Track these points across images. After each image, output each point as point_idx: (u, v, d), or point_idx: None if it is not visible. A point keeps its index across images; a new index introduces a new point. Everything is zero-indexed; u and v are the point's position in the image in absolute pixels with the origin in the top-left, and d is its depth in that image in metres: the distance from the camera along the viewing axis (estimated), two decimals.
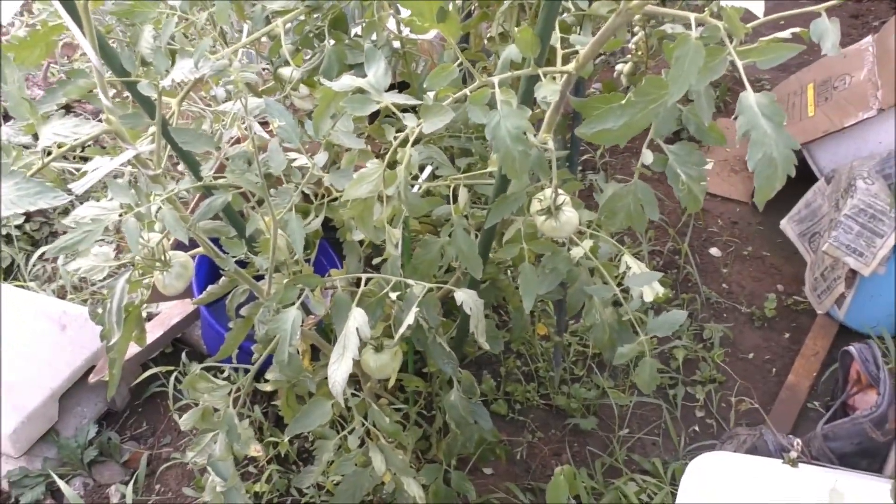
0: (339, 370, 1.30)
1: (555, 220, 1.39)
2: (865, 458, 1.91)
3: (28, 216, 3.15)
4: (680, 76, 1.00)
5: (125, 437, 2.48)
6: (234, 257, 1.47)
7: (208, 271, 2.36)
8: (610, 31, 1.16)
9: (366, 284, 1.48)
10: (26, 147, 1.29)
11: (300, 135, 1.39)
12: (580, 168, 3.61)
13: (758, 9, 0.98)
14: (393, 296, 1.46)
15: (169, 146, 1.48)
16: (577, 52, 1.35)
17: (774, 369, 2.72)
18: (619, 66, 2.62)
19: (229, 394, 1.56)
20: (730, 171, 3.57)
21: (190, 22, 1.62)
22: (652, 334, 1.48)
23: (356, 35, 1.90)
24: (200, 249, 1.49)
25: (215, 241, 1.52)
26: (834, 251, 2.62)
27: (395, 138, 1.26)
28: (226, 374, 2.42)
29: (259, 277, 1.57)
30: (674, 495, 2.13)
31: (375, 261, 1.75)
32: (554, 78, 1.30)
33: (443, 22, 1.10)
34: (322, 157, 1.44)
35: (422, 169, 1.77)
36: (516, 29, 1.23)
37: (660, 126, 1.21)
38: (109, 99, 1.22)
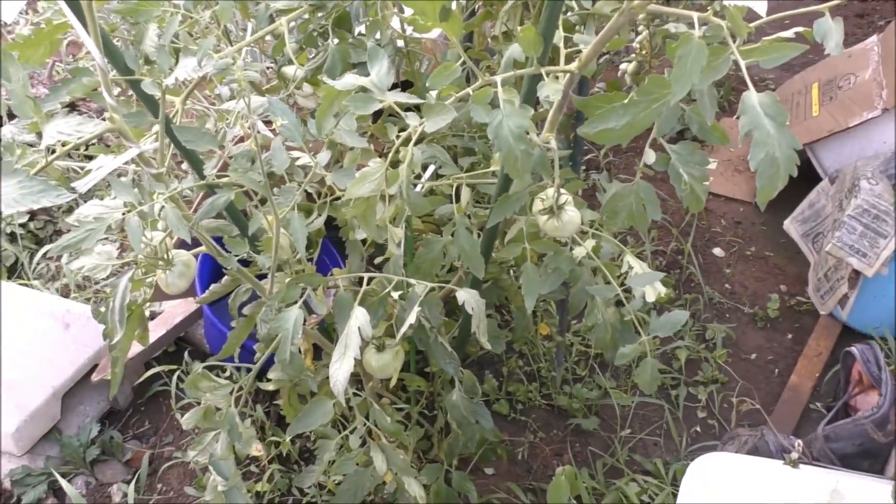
0: (340, 369, 1.29)
1: (557, 219, 1.39)
2: (867, 459, 1.91)
3: (32, 214, 3.16)
4: (682, 75, 1.00)
5: (127, 436, 2.48)
6: (236, 256, 1.47)
7: (211, 270, 2.36)
8: (613, 31, 1.16)
9: (368, 284, 1.48)
10: (31, 145, 1.30)
11: (303, 133, 1.39)
12: (583, 167, 3.60)
13: (761, 8, 0.98)
14: (395, 295, 1.46)
15: (173, 145, 1.49)
16: (580, 51, 1.35)
17: (777, 370, 2.72)
18: (623, 66, 2.61)
19: (231, 393, 1.56)
20: (733, 170, 3.57)
21: (194, 20, 1.62)
22: (654, 334, 1.48)
23: (360, 34, 1.90)
24: (203, 248, 1.49)
25: (218, 239, 1.52)
26: (837, 252, 2.61)
27: (398, 137, 1.26)
28: (228, 374, 2.42)
29: (262, 276, 1.57)
30: (675, 496, 2.12)
31: (377, 260, 1.75)
32: (557, 77, 1.30)
33: (445, 21, 1.10)
34: (325, 156, 1.44)
35: (425, 168, 1.77)
36: (519, 28, 1.23)
37: (662, 125, 1.21)
38: (113, 97, 1.22)
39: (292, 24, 1.80)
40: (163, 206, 1.29)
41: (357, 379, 1.85)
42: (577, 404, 2.52)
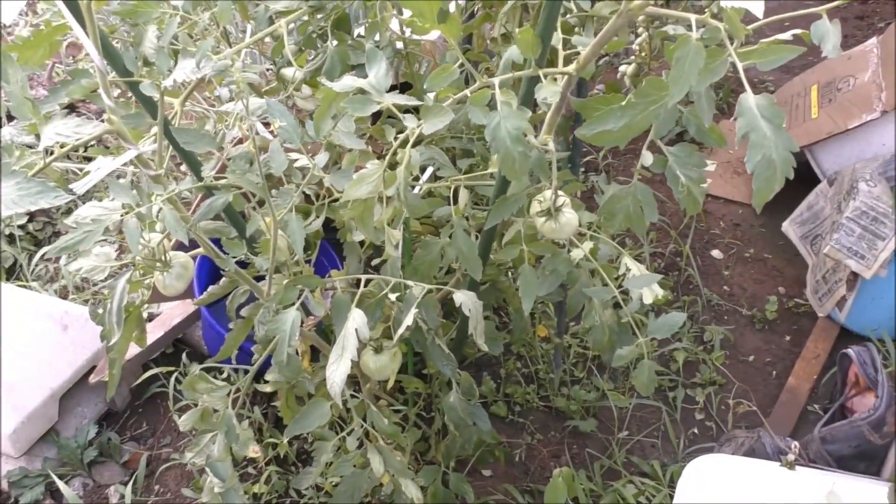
0: (337, 371, 1.30)
1: (555, 221, 1.39)
2: (863, 460, 1.91)
3: (31, 216, 3.16)
4: (680, 77, 1.00)
5: (125, 438, 2.48)
6: (234, 258, 1.47)
7: (209, 272, 2.36)
8: (611, 33, 1.16)
9: (366, 285, 1.48)
10: (30, 147, 1.30)
11: (301, 135, 1.39)
12: (582, 169, 3.61)
13: (758, 9, 0.98)
14: (392, 297, 1.46)
15: (171, 146, 1.49)
16: (579, 53, 1.35)
17: (775, 372, 2.72)
18: (622, 68, 2.62)
19: (228, 395, 1.56)
20: (732, 173, 3.57)
21: (193, 22, 1.62)
22: (651, 336, 1.48)
23: (359, 35, 1.90)
24: (201, 250, 1.49)
25: (216, 241, 1.52)
26: (835, 254, 2.61)
27: (396, 139, 1.26)
28: (225, 375, 2.42)
29: (260, 278, 1.57)
30: (672, 498, 2.13)
31: (375, 261, 1.75)
32: (555, 79, 1.30)
33: (443, 23, 1.10)
34: (323, 158, 1.44)
35: (423, 170, 1.77)
36: (517, 30, 1.23)
37: (660, 127, 1.21)
38: (112, 99, 1.23)
39: (291, 25, 1.81)
40: (160, 208, 1.29)
41: (354, 381, 1.85)
42: (574, 406, 2.52)
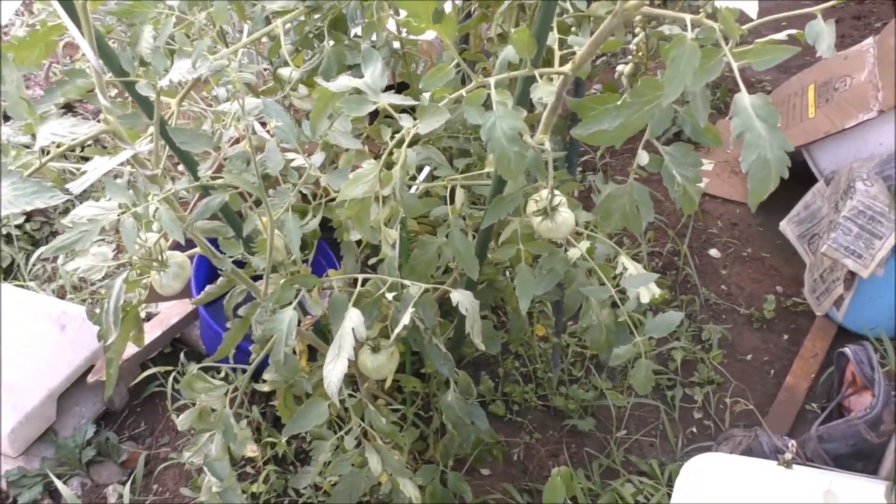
0: (334, 370, 1.30)
1: (551, 220, 1.39)
2: (860, 459, 1.91)
3: (28, 216, 3.16)
4: (675, 77, 1.00)
5: (123, 437, 2.48)
6: (231, 257, 1.47)
7: (207, 271, 2.36)
8: (607, 33, 1.16)
9: (363, 285, 1.48)
10: (27, 147, 1.30)
11: (298, 135, 1.39)
12: (580, 169, 3.61)
13: (752, 10, 0.98)
14: (389, 296, 1.47)
15: (168, 146, 1.49)
16: (575, 53, 1.35)
17: (773, 371, 2.72)
18: (619, 67, 2.62)
19: (226, 394, 1.56)
20: (730, 172, 3.57)
21: (189, 22, 1.62)
22: (648, 335, 1.48)
23: (356, 36, 1.90)
24: (199, 249, 1.49)
25: (213, 241, 1.52)
26: (833, 253, 2.62)
27: (393, 139, 1.26)
28: (223, 375, 2.42)
29: (257, 277, 1.57)
30: (671, 497, 2.13)
31: (372, 261, 1.75)
32: (551, 79, 1.30)
33: (438, 23, 1.10)
34: (319, 158, 1.44)
35: (420, 170, 1.77)
36: (513, 30, 1.23)
37: (655, 127, 1.22)
38: (108, 99, 1.23)
39: (288, 25, 1.81)
40: (157, 208, 1.29)
41: (353, 380, 1.85)
42: (573, 405, 2.52)
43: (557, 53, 1.43)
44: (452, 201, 1.61)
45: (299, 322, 1.44)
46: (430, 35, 2.68)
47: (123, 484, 2.30)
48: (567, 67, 1.23)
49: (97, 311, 1.44)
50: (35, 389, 2.31)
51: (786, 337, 2.85)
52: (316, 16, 1.86)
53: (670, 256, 3.15)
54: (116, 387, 2.50)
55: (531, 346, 2.69)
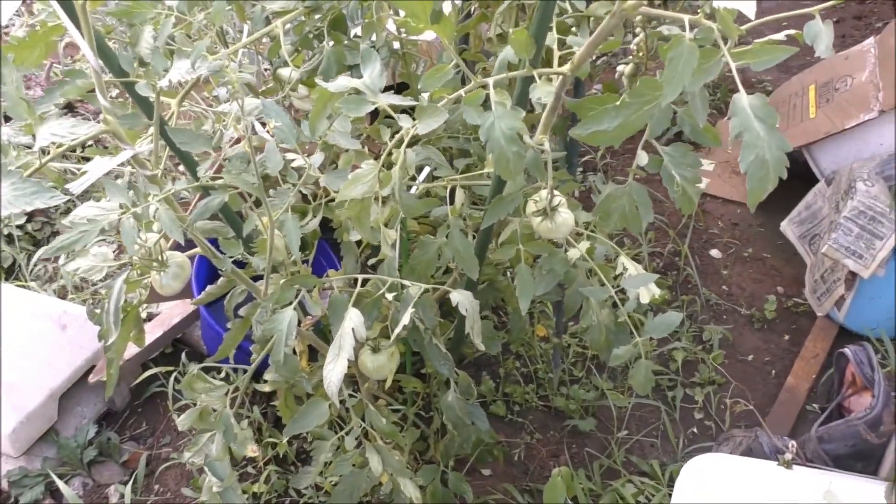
0: (334, 371, 1.30)
1: (551, 221, 1.39)
2: (860, 460, 1.91)
3: (30, 216, 3.16)
4: (674, 77, 1.00)
5: (125, 438, 2.48)
6: (231, 258, 1.47)
7: (208, 271, 2.36)
8: (605, 32, 1.16)
9: (363, 285, 1.48)
10: (28, 147, 1.30)
11: (297, 135, 1.39)
12: (581, 169, 3.61)
13: (749, 10, 0.98)
14: (389, 296, 1.47)
15: (168, 146, 1.49)
16: (574, 53, 1.35)
17: (774, 371, 2.72)
18: (620, 68, 2.62)
19: (226, 394, 1.56)
20: (731, 172, 3.57)
21: (188, 22, 1.63)
22: (648, 336, 1.48)
23: (356, 36, 1.90)
24: (199, 249, 1.50)
25: (214, 241, 1.52)
26: (833, 253, 2.61)
27: (392, 139, 1.26)
28: (223, 375, 2.42)
29: (258, 278, 1.57)
30: (671, 497, 2.13)
31: (371, 261, 1.75)
32: (550, 79, 1.30)
33: (436, 23, 1.10)
34: (318, 158, 1.44)
35: (420, 170, 1.77)
36: (511, 30, 1.23)
37: (654, 127, 1.22)
38: (107, 99, 1.23)
39: (288, 26, 1.81)
40: (157, 208, 1.29)
41: (353, 380, 1.85)
42: (573, 405, 2.52)
43: (557, 54, 1.43)
44: (452, 202, 1.61)
45: (299, 322, 1.44)
46: (429, 35, 2.68)
47: (125, 484, 2.31)
48: (566, 68, 1.23)
49: (98, 311, 1.44)
50: (36, 389, 2.31)
51: (787, 337, 2.85)
52: (316, 16, 1.86)
53: (671, 257, 3.15)
54: (118, 387, 2.50)
55: (532, 346, 2.69)
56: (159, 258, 1.43)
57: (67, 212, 3.11)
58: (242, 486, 2.25)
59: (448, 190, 1.62)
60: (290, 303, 1.43)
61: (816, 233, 2.91)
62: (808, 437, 2.01)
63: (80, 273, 1.48)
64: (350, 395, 1.63)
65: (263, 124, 1.89)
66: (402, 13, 1.85)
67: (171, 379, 2.49)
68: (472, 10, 2.10)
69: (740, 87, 1.00)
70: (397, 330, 1.39)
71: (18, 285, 2.84)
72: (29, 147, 1.30)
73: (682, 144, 1.27)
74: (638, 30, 2.30)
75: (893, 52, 2.98)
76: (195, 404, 1.58)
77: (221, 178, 1.40)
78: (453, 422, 1.74)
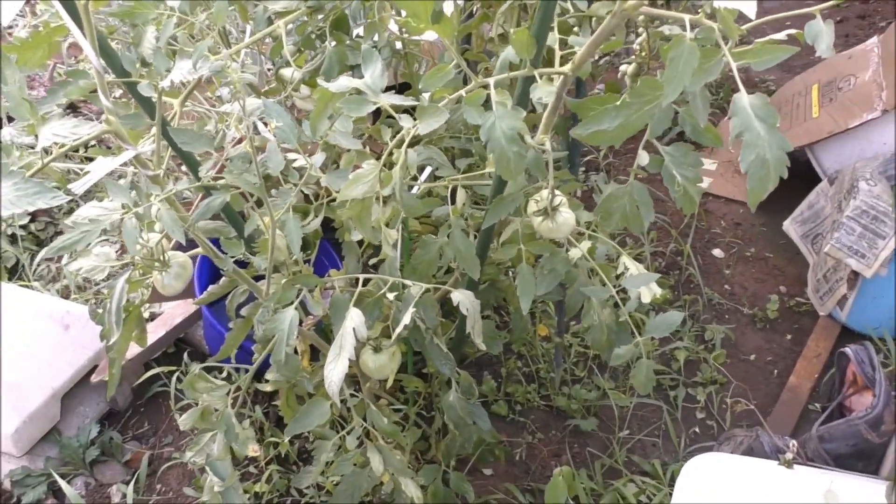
0: (335, 370, 1.30)
1: (552, 220, 1.39)
2: (861, 459, 1.91)
3: (33, 216, 3.17)
4: (674, 77, 1.00)
5: (127, 437, 2.49)
6: (232, 257, 1.48)
7: (210, 271, 2.36)
8: (606, 32, 1.17)
9: (364, 285, 1.48)
10: (31, 147, 1.30)
11: (298, 135, 1.39)
12: (583, 169, 3.61)
13: (750, 10, 0.98)
14: (391, 296, 1.47)
15: (170, 147, 1.49)
16: (575, 53, 1.35)
17: (776, 371, 2.72)
18: (623, 67, 2.61)
19: (228, 394, 1.57)
20: (733, 172, 3.57)
21: (190, 23, 1.63)
22: (649, 335, 1.48)
23: (358, 36, 1.91)
24: (201, 249, 1.50)
25: (216, 241, 1.52)
26: (836, 253, 2.61)
27: (393, 139, 1.27)
28: (225, 374, 2.42)
29: (260, 277, 1.58)
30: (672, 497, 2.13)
31: (372, 261, 1.75)
32: (551, 79, 1.30)
33: (437, 23, 1.11)
34: (319, 158, 1.45)
35: (422, 170, 1.78)
36: (512, 30, 1.24)
37: (655, 127, 1.22)
38: (109, 99, 1.23)
39: (290, 26, 1.81)
40: (159, 208, 1.29)
41: (355, 380, 1.85)
42: (575, 405, 2.52)
43: (558, 54, 1.43)
44: (454, 201, 1.61)
45: (301, 322, 1.44)
46: (431, 35, 2.68)
47: (127, 483, 2.31)
48: (567, 67, 1.23)
49: (100, 311, 1.45)
50: (39, 389, 2.32)
51: (789, 337, 2.85)
52: (318, 16, 1.86)
53: (673, 256, 3.15)
54: (120, 387, 2.50)
55: (534, 346, 2.69)
56: (161, 258, 1.44)
57: (71, 212, 3.12)
58: (244, 485, 2.25)
59: (449, 190, 1.62)
60: (292, 302, 1.43)
61: (819, 232, 2.91)
62: (808, 436, 2.01)
63: (82, 273, 1.48)
64: (352, 395, 1.63)
65: (266, 124, 1.89)
66: (403, 13, 1.86)
67: (174, 379, 2.49)
68: (475, 10, 2.11)
69: (741, 86, 1.01)
70: (398, 329, 1.39)
71: (22, 285, 2.84)
72: (32, 147, 1.30)
73: (684, 144, 1.27)
74: (641, 30, 2.30)
75: None
76: (197, 404, 1.59)
77: (223, 178, 1.40)
78: (455, 421, 1.74)
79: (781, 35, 1.14)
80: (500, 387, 2.60)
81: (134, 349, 2.40)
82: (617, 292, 1.55)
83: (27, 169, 1.17)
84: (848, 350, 2.15)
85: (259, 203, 1.44)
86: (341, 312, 1.38)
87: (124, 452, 2.43)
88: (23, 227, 3.10)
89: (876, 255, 2.53)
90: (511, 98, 1.17)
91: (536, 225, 1.42)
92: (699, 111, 1.16)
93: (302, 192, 1.49)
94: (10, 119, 3.11)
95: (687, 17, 1.04)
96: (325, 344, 1.80)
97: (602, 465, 2.37)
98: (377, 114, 1.34)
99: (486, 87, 1.19)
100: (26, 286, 2.85)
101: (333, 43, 1.79)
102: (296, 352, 1.72)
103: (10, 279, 2.95)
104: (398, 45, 2.14)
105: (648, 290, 1.51)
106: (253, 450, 1.62)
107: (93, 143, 3.15)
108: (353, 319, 1.34)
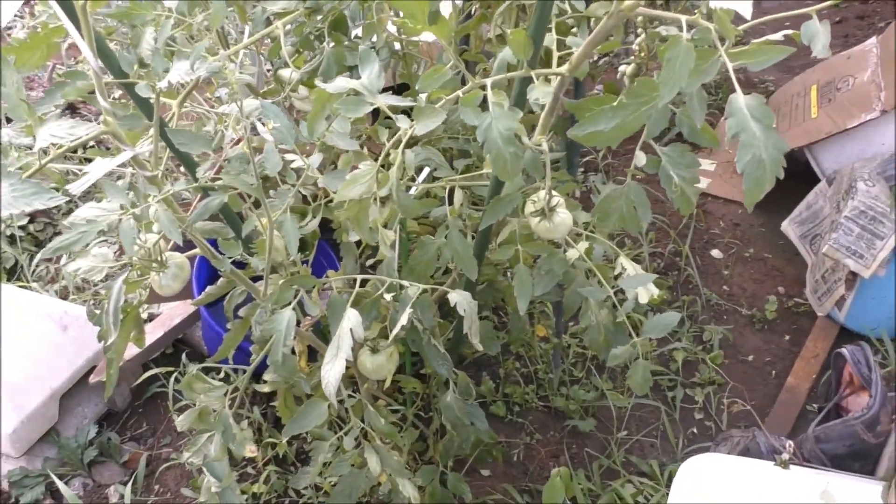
0: (332, 371, 1.30)
1: (549, 221, 1.39)
2: (857, 460, 1.91)
3: (32, 217, 3.17)
4: (671, 78, 1.01)
5: (125, 438, 2.49)
6: (230, 258, 1.48)
7: (209, 272, 2.37)
8: (603, 33, 1.17)
9: (362, 286, 1.49)
10: (30, 148, 1.30)
11: (296, 136, 1.39)
12: (583, 170, 3.61)
13: (745, 10, 0.99)
14: (388, 297, 1.47)
15: (168, 147, 1.50)
16: (573, 53, 1.35)
17: (774, 371, 2.72)
18: (622, 68, 2.62)
19: (225, 394, 1.57)
20: (732, 172, 3.57)
21: (188, 24, 1.63)
22: (647, 336, 1.48)
23: (356, 37, 1.91)
24: (199, 250, 1.50)
25: (214, 241, 1.52)
26: (834, 253, 2.61)
27: (391, 140, 1.27)
28: (222, 375, 2.42)
29: (258, 278, 1.58)
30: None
31: (369, 262, 1.75)
32: (548, 80, 1.31)
33: (434, 24, 1.11)
34: (317, 159, 1.45)
35: (420, 170, 1.78)
36: (509, 31, 1.24)
37: (652, 128, 1.22)
38: (107, 100, 1.23)
39: (288, 27, 1.81)
40: (156, 209, 1.29)
41: (353, 381, 1.85)
42: (573, 406, 2.52)
43: (556, 54, 1.44)
44: (451, 202, 1.61)
45: (298, 323, 1.44)
46: (430, 36, 2.68)
47: (125, 484, 2.31)
48: (564, 68, 1.24)
49: (97, 311, 1.45)
50: (37, 390, 2.32)
51: (787, 337, 2.85)
52: (317, 17, 1.86)
53: (672, 257, 3.15)
54: (119, 387, 2.50)
55: (532, 346, 2.69)
56: (158, 259, 1.44)
57: (70, 213, 3.11)
58: (242, 486, 2.25)
59: (447, 191, 1.62)
60: (289, 303, 1.43)
61: (817, 233, 2.91)
62: (805, 436, 2.01)
63: (80, 274, 1.48)
64: (349, 396, 1.63)
65: (265, 125, 1.90)
66: (401, 14, 1.86)
67: (172, 379, 2.49)
68: (473, 10, 2.11)
69: (737, 87, 1.01)
70: (395, 330, 1.39)
71: (20, 286, 2.84)
72: (31, 148, 1.30)
73: (681, 145, 1.27)
74: (640, 30, 2.31)
75: (895, 52, 2.97)
76: (195, 405, 1.59)
77: (221, 179, 1.40)
78: (452, 422, 1.74)
79: (778, 35, 1.14)
80: (498, 387, 2.60)
81: (132, 350, 2.40)
82: (615, 293, 1.56)
83: (25, 170, 1.17)
84: (844, 351, 2.15)
85: (257, 204, 1.44)
86: (339, 313, 1.39)
87: (122, 453, 2.43)
88: (22, 227, 3.10)
89: (874, 256, 2.53)
90: (508, 99, 1.18)
91: (534, 225, 1.42)
92: (696, 112, 1.16)
93: (301, 193, 1.49)
94: (9, 120, 3.11)
95: (683, 18, 1.04)
96: (322, 345, 1.80)
97: (600, 465, 2.38)
98: (377, 114, 1.35)
99: (483, 87, 1.19)
100: (25, 287, 2.85)
101: (332, 44, 1.80)
102: (294, 352, 1.72)
103: (8, 280, 2.95)
104: (397, 45, 2.14)
105: (645, 291, 1.51)
106: (250, 450, 1.62)
107: (92, 144, 3.15)
108: (351, 320, 1.35)
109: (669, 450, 2.46)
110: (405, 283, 1.46)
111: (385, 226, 1.49)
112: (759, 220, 3.34)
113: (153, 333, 2.51)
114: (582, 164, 3.65)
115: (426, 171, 1.76)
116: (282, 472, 2.31)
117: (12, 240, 3.05)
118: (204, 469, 1.57)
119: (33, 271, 2.99)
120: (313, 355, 1.90)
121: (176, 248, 1.60)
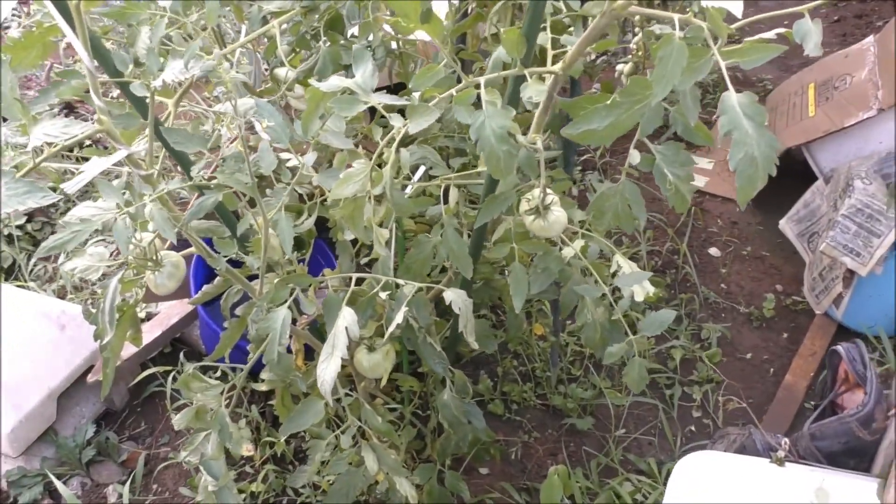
0: (327, 369, 1.30)
1: (543, 219, 1.39)
2: (853, 457, 1.91)
3: (30, 216, 3.17)
4: (664, 76, 1.01)
5: (123, 437, 2.49)
6: (225, 257, 1.48)
7: (207, 271, 2.37)
8: (596, 31, 1.17)
9: (358, 284, 1.49)
10: (24, 147, 1.30)
11: (290, 134, 1.40)
12: (580, 168, 3.61)
13: (737, 9, 0.99)
14: (384, 295, 1.47)
15: (163, 146, 1.50)
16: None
17: (772, 369, 2.72)
18: (619, 67, 2.62)
19: (222, 393, 1.57)
20: (729, 171, 3.57)
21: (183, 23, 1.63)
22: (643, 333, 1.48)
23: (352, 36, 1.91)
24: (195, 249, 1.50)
25: (209, 240, 1.53)
26: (831, 251, 2.61)
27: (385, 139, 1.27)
28: (219, 374, 2.43)
29: (254, 277, 1.58)
30: None
31: (364, 260, 1.76)
32: (542, 78, 1.31)
33: (427, 23, 1.11)
34: (311, 157, 1.45)
35: (416, 169, 1.78)
36: (503, 30, 1.24)
37: (646, 126, 1.22)
38: (101, 99, 1.23)
39: (284, 26, 1.81)
40: (151, 208, 1.29)
41: (350, 379, 1.85)
42: (571, 404, 2.52)
43: (550, 53, 1.44)
44: (447, 200, 1.61)
45: (295, 321, 1.44)
46: (425, 35, 2.68)
47: (123, 483, 2.31)
48: (557, 66, 1.24)
49: (94, 310, 1.45)
50: (35, 389, 2.32)
51: (785, 335, 2.85)
52: (313, 16, 1.86)
53: (670, 255, 3.15)
54: (117, 386, 2.51)
55: (530, 345, 2.70)
56: (154, 258, 1.44)
57: (67, 212, 3.12)
58: (240, 485, 2.26)
59: (442, 189, 1.62)
60: (285, 301, 1.43)
61: (815, 231, 2.91)
62: (800, 434, 2.01)
63: (77, 273, 1.48)
64: (346, 394, 1.63)
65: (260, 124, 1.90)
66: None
67: (170, 378, 2.50)
68: (470, 9, 2.11)
69: (729, 85, 1.01)
70: (391, 328, 1.39)
71: (18, 285, 2.85)
72: (26, 147, 1.30)
73: (675, 143, 1.28)
74: (637, 29, 2.31)
75: (892, 50, 2.97)
76: (192, 403, 1.59)
77: (216, 177, 1.40)
78: (449, 420, 1.74)
79: (771, 34, 1.14)
80: (496, 386, 2.60)
81: (130, 349, 2.40)
82: (611, 291, 1.56)
83: (19, 168, 1.17)
84: (840, 348, 2.15)
85: (252, 202, 1.45)
86: (334, 312, 1.39)
87: (120, 452, 2.43)
88: (19, 227, 3.10)
89: (871, 254, 2.53)
90: (502, 97, 1.18)
91: (528, 223, 1.42)
92: (689, 110, 1.16)
93: (296, 191, 1.49)
94: (5, 119, 3.11)
95: (676, 17, 1.04)
96: (319, 343, 1.80)
97: (598, 463, 2.38)
98: (374, 113, 1.35)
99: (477, 86, 1.19)
100: (22, 286, 2.85)
101: (327, 43, 1.80)
102: (290, 351, 1.72)
103: (6, 279, 2.96)
104: (394, 44, 2.14)
105: (641, 289, 1.51)
106: (247, 449, 1.63)
107: (89, 143, 3.16)
108: (346, 318, 1.35)
109: (667, 448, 2.46)
110: (401, 281, 1.46)
111: (381, 224, 1.49)
112: (756, 219, 3.34)
113: (151, 333, 2.51)
114: (579, 162, 3.65)
115: (422, 169, 1.76)
116: (280, 471, 2.31)
117: (10, 239, 3.06)
118: (201, 468, 1.57)
119: (31, 271, 2.99)
120: (310, 354, 1.90)
121: (172, 248, 1.60)
